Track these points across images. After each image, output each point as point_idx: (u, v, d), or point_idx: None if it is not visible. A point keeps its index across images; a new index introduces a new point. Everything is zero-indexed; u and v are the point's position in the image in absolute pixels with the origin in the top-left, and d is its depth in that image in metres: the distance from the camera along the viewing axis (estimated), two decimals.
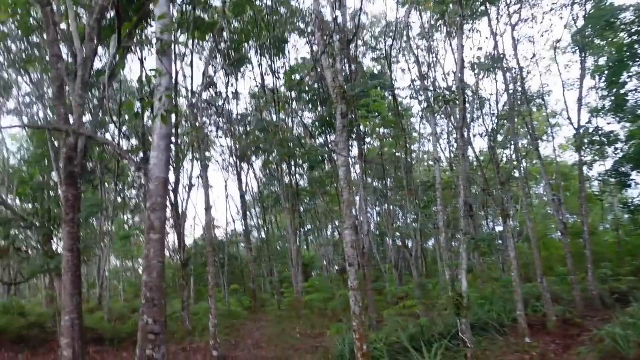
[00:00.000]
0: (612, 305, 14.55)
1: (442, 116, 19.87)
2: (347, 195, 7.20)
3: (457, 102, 11.64)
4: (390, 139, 25.58)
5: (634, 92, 17.96)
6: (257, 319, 22.45)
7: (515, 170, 20.76)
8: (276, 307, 25.50)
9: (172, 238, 28.44)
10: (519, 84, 17.27)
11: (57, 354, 10.51)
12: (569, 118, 19.94)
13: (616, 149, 20.22)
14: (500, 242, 26.99)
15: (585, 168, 19.55)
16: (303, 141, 21.55)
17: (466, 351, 9.03)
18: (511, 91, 16.38)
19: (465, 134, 14.61)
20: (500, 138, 22.87)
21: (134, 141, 17.07)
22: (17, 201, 17.72)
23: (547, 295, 13.17)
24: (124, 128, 17.40)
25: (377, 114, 20.03)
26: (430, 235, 33.36)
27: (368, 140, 24.14)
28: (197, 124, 14.53)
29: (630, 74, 17.18)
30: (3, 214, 15.65)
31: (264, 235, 34.84)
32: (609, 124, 21.16)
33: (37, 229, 14.35)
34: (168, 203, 17.97)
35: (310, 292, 26.12)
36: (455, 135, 18.26)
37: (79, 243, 12.78)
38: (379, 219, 33.60)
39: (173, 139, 15.54)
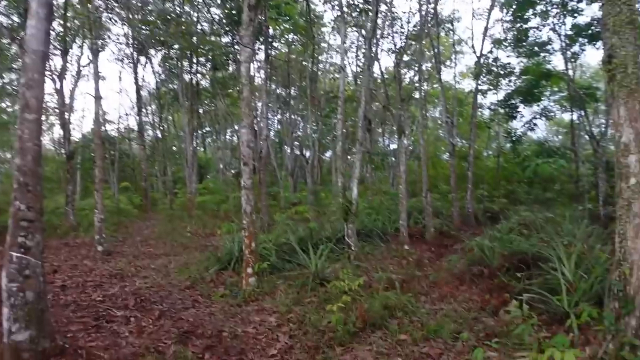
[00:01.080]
0: (484, 222, 16.01)
1: (353, 28, 19.61)
2: (247, 94, 6.96)
3: (370, 13, 11.45)
4: (299, 46, 24.99)
5: (535, 30, 18.81)
6: (147, 217, 22.05)
7: (415, 91, 21.39)
8: (168, 206, 25.19)
9: (57, 130, 26.47)
10: (431, 5, 17.29)
11: None
12: (472, 46, 20.65)
13: (510, 81, 21.43)
14: (393, 159, 28.30)
15: (479, 96, 20.56)
16: (208, 37, 20.36)
17: (350, 253, 9.54)
18: (423, 12, 16.40)
19: (374, 48, 14.58)
20: (406, 58, 23.25)
21: (16, 18, 15.04)
22: None
23: (428, 209, 14.13)
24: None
25: (287, 17, 19.32)
26: (327, 147, 34.14)
27: (276, 44, 23.33)
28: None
29: (535, 12, 17.87)
30: None
31: (159, 134, 33.53)
32: (507, 56, 22.13)
33: None
34: (52, 87, 16.48)
35: (203, 193, 25.96)
36: (363, 49, 18.19)
37: None
38: (279, 127, 33.53)
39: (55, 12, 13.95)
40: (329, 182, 29.61)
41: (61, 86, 16.61)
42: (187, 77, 24.54)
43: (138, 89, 26.78)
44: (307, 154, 29.05)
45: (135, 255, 11.59)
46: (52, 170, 29.38)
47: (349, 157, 22.15)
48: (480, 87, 20.51)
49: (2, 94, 25.55)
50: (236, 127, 32.43)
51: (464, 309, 6.24)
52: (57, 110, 17.18)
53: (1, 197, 22.91)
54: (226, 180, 30.79)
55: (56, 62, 17.14)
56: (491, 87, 22.01)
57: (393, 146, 30.62)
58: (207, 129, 39.10)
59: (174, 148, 36.14)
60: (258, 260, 7.41)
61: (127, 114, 38.06)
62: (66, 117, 17.00)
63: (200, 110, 31.27)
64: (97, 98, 12.27)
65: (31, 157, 4.33)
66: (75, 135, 28.75)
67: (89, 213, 17.78)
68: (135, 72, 26.48)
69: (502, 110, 22.08)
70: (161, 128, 32.88)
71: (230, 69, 23.68)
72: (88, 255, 11.44)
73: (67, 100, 17.79)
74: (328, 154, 36.11)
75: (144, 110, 29.96)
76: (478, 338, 5.09)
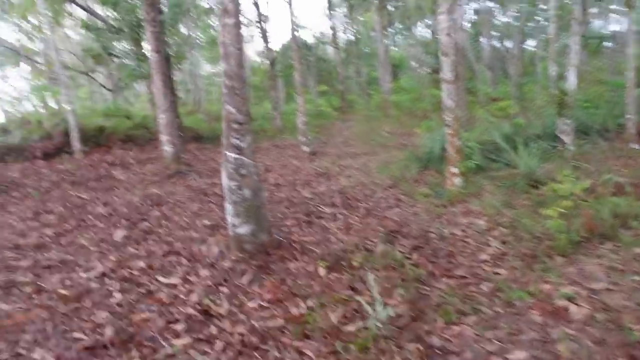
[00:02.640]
0: None
1: None
2: None
3: None
4: None
5: None
6: (345, 118, 22.71)
7: None
8: (364, 107, 25.49)
9: (257, 43, 28.02)
10: None
11: (160, 150, 11.23)
12: None
13: None
14: (610, 44, 24.11)
15: None
16: None
17: (565, 152, 8.49)
18: None
19: None
20: None
21: None
22: (102, 10, 17.63)
23: None
24: None
25: None
26: (529, 35, 30.57)
27: None
28: None
29: None
30: (93, 23, 15.76)
31: (351, 36, 33.60)
32: None
33: (125, 35, 14.43)
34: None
35: (398, 92, 25.62)
36: None
37: (164, 43, 12.85)
38: (475, 17, 30.80)
39: None
40: (532, 74, 26.79)
41: None
42: None
43: None
44: (507, 44, 26.39)
45: (338, 155, 12.01)
46: (258, 79, 31.69)
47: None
48: None
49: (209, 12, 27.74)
50: (428, 21, 30.72)
51: None
52: (256, 21, 18.05)
53: (219, 106, 25.66)
54: (420, 77, 29.87)
55: None
56: None
57: (612, 28, 26.05)
58: (398, 26, 37.86)
59: (367, 49, 35.94)
60: (463, 159, 6.97)
61: (319, 18, 38.64)
62: (264, 26, 17.77)
63: (390, 7, 30.20)
64: (290, 3, 12.45)
65: (234, 61, 4.44)
66: (275, 45, 30.30)
67: (292, 117, 18.90)
68: None
69: None
70: (353, 30, 32.80)
71: None
72: (295, 156, 12.20)
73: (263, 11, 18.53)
74: (530, 42, 32.39)
75: (334, 13, 30.04)
76: None
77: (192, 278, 4.29)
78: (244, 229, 4.49)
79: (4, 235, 5.98)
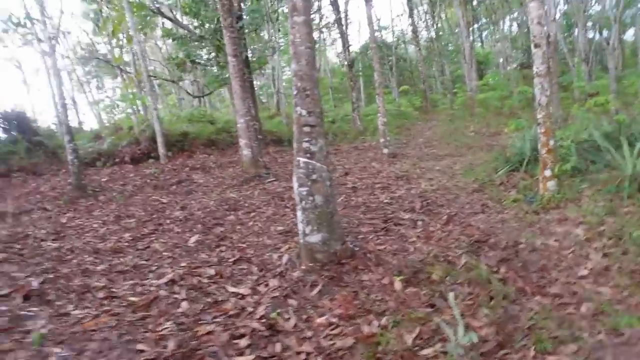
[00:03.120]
0: None
1: None
2: None
3: None
4: None
5: None
6: (427, 118, 22.01)
7: None
8: (448, 106, 24.56)
9: (337, 45, 27.92)
10: None
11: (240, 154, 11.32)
12: None
13: None
14: None
15: None
16: None
17: None
18: None
19: None
20: None
21: None
22: (184, 17, 18.21)
23: None
24: None
25: None
26: (629, 25, 28.13)
27: None
28: None
29: None
30: (175, 32, 16.30)
31: (433, 34, 32.64)
32: None
33: (207, 41, 14.77)
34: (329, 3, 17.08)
35: (484, 90, 24.45)
36: None
37: (243, 48, 12.97)
38: (567, 7, 28.84)
39: None
40: (634, 66, 24.61)
41: None
42: None
43: None
44: (604, 34, 24.35)
45: (419, 156, 11.52)
46: (338, 81, 31.62)
47: None
48: None
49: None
50: (515, 14, 29.26)
51: None
52: (335, 23, 17.92)
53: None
54: (507, 74, 28.41)
55: None
56: None
57: None
58: (483, 21, 36.34)
59: (450, 47, 34.79)
60: (557, 160, 6.31)
61: (399, 16, 38.00)
62: (343, 27, 17.55)
63: (474, 1, 29.05)
64: (368, 1, 12.11)
65: (305, 60, 4.20)
66: (355, 46, 30.07)
67: (373, 118, 18.55)
68: None
69: None
70: (435, 27, 31.86)
71: None
72: (375, 158, 11.86)
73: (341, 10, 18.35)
74: (630, 32, 29.85)
75: (415, 10, 29.32)
76: None
77: (261, 288, 4.09)
78: (315, 238, 4.23)
79: (86, 239, 6.14)
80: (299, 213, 4.30)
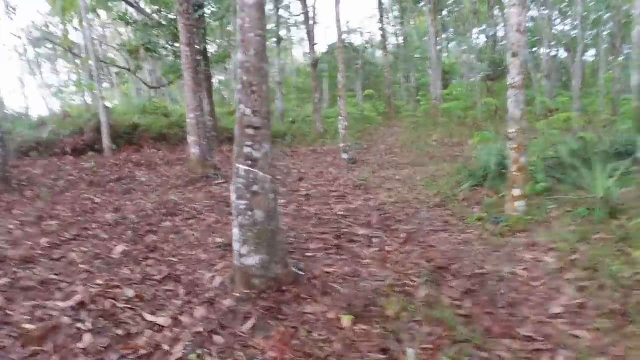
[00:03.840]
0: None
1: None
2: None
3: None
4: None
5: None
6: (391, 124, 21.69)
7: None
8: (412, 113, 24.32)
9: (304, 45, 27.34)
10: None
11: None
12: None
13: None
14: None
15: None
16: None
17: None
18: None
19: None
20: None
21: None
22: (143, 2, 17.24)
23: None
24: None
25: None
26: (590, 46, 28.69)
27: None
28: None
29: None
30: (131, 17, 15.32)
31: (401, 40, 32.49)
32: None
33: (164, 28, 13.89)
34: None
35: (448, 99, 24.34)
36: None
37: (201, 38, 12.21)
38: (532, 24, 29.17)
39: None
40: (593, 86, 25.00)
41: None
42: None
43: None
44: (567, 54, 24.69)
45: (380, 164, 11.04)
46: (302, 81, 31.04)
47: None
48: None
49: None
50: (483, 27, 29.35)
51: None
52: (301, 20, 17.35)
53: None
54: (472, 85, 28.44)
55: None
56: None
57: None
58: (451, 30, 36.48)
59: (417, 54, 34.71)
60: (529, 179, 5.87)
61: (370, 18, 37.78)
62: (310, 23, 16.97)
63: (445, 12, 29.02)
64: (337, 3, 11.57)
65: (254, 50, 3.57)
66: (322, 46, 29.53)
67: (335, 120, 18.06)
68: None
69: None
70: (404, 33, 31.70)
71: None
72: (333, 163, 11.32)
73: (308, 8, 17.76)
74: (590, 53, 30.46)
75: (385, 16, 29.04)
76: None
77: (184, 318, 3.42)
78: (252, 260, 3.60)
79: None
80: (235, 230, 3.66)
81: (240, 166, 3.56)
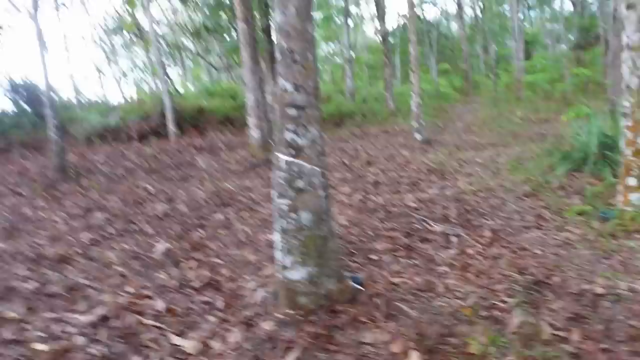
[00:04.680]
0: None
1: None
2: None
3: None
4: None
5: None
6: (468, 101, 20.26)
7: None
8: (491, 88, 22.64)
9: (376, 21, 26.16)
10: None
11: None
12: None
13: None
14: None
15: None
16: None
17: None
18: None
19: None
20: None
21: None
22: None
23: None
24: None
25: None
26: None
27: None
28: None
29: None
30: None
31: (478, 11, 30.47)
32: None
33: (222, 6, 13.38)
34: None
35: (531, 72, 22.41)
36: None
37: (265, 15, 11.58)
38: None
39: None
40: None
41: None
42: None
43: None
44: None
45: (457, 144, 9.99)
46: (373, 57, 29.88)
47: None
48: None
49: None
50: None
51: None
52: None
53: (329, 85, 24.27)
54: (557, 55, 26.11)
55: None
56: None
57: None
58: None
59: (495, 25, 32.45)
60: None
61: None
62: None
63: None
64: None
65: (294, 8, 2.82)
66: (394, 22, 28.19)
67: (407, 98, 17.02)
68: None
69: None
70: (482, 3, 29.66)
71: None
72: (405, 144, 10.40)
73: None
74: None
75: None
76: None
77: (216, 343, 2.79)
78: (297, 274, 2.90)
79: (36, 238, 4.98)
80: (276, 236, 2.97)
81: (281, 156, 2.85)
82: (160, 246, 4.52)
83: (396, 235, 4.50)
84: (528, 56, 28.39)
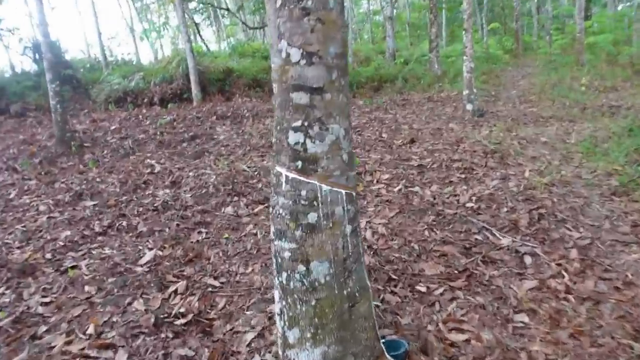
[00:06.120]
0: None
1: None
2: None
3: None
4: None
5: None
6: (520, 64, 18.45)
7: None
8: (546, 50, 20.66)
9: None
10: None
11: None
12: None
13: None
14: None
15: None
16: None
17: None
18: None
19: None
20: None
21: None
22: None
23: None
24: None
25: None
26: None
27: None
28: None
29: None
30: None
31: None
32: None
33: None
34: None
35: (594, 32, 20.26)
36: None
37: None
38: None
39: None
40: None
41: None
42: None
43: None
44: None
45: (514, 117, 8.61)
46: (417, 16, 27.99)
47: None
48: None
49: None
50: None
51: None
52: None
53: (371, 46, 22.74)
54: (620, 15, 23.64)
55: None
56: None
57: None
58: None
59: None
60: None
61: None
62: None
63: None
64: None
65: None
66: None
67: (454, 60, 15.49)
68: None
69: None
70: None
71: None
72: (454, 115, 9.11)
73: None
74: None
75: None
76: None
77: None
78: (307, 356, 1.86)
79: (6, 235, 4.13)
80: (276, 294, 1.94)
81: (282, 171, 1.78)
82: (148, 254, 3.57)
83: (451, 251, 3.41)
84: (587, 15, 25.95)
